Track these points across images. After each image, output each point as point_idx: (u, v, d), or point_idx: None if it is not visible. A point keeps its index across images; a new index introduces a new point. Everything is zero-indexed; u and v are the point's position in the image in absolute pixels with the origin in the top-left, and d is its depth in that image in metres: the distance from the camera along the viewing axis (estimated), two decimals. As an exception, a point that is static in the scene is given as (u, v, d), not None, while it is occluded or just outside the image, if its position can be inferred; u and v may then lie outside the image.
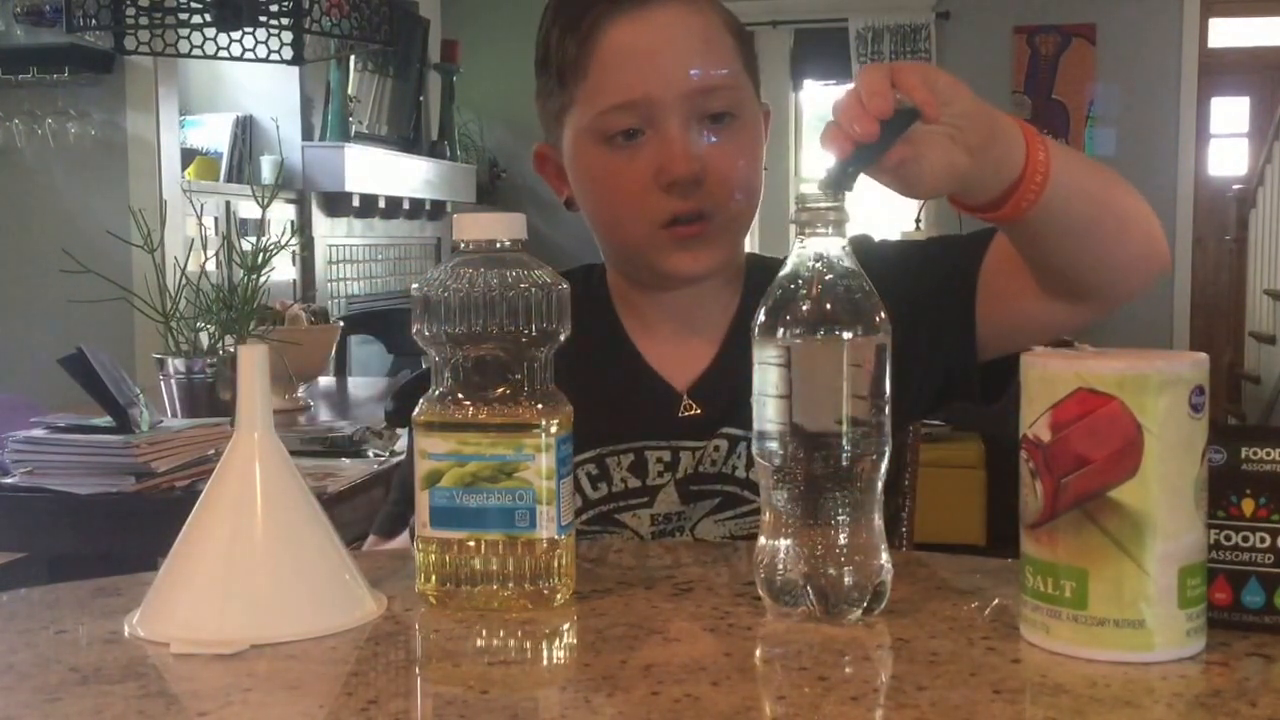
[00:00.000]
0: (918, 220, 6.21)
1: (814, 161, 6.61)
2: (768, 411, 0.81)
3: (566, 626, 0.83)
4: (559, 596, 0.85)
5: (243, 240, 3.30)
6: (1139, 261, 1.05)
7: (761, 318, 0.81)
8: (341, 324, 3.28)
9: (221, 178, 4.69)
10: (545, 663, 0.79)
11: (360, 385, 3.49)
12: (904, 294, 0.88)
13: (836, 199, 0.82)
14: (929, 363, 1.12)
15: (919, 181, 0.89)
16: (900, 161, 0.86)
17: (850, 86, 0.86)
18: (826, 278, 0.80)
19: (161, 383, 2.34)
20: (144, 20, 3.05)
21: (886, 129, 0.83)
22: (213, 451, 1.93)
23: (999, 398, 1.13)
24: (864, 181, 0.86)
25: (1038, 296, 1.07)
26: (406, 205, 5.63)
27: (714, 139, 1.09)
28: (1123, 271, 1.05)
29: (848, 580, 0.80)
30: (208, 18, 2.99)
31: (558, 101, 1.14)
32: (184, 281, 2.33)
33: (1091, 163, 1.02)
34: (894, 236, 5.47)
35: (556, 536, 0.84)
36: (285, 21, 3.04)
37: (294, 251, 4.54)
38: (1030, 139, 0.94)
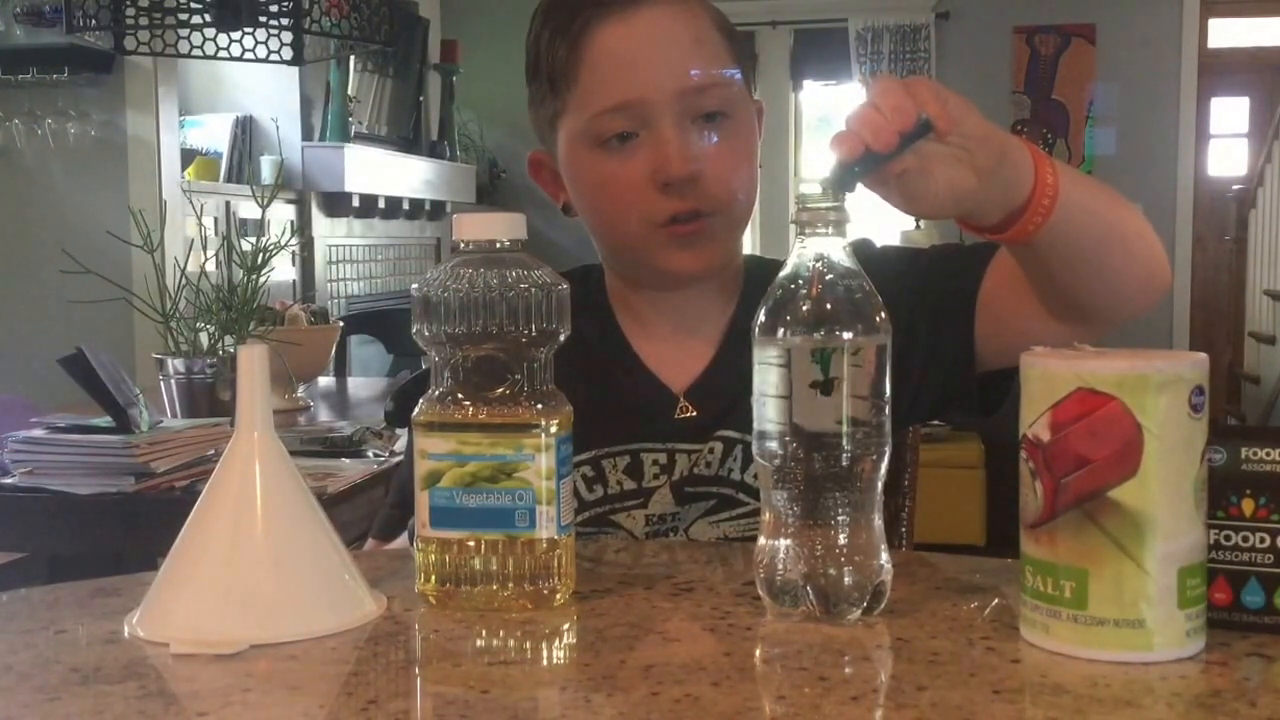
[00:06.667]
0: (918, 218, 6.20)
1: (814, 162, 6.60)
2: (768, 412, 0.81)
3: (566, 626, 0.83)
4: (559, 596, 0.85)
5: (243, 240, 3.29)
6: (1143, 283, 1.04)
7: (762, 318, 0.81)
8: (341, 324, 3.28)
9: (221, 178, 4.68)
10: (545, 663, 0.79)
11: (360, 385, 3.49)
12: (902, 307, 0.87)
13: (837, 199, 0.82)
14: (925, 376, 1.12)
15: (921, 197, 0.88)
16: (904, 171, 0.86)
17: (863, 98, 0.85)
18: (826, 278, 0.80)
19: (161, 383, 2.34)
20: (144, 20, 3.05)
21: (899, 139, 0.83)
22: (212, 451, 1.93)
23: (997, 409, 1.12)
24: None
25: (1039, 316, 1.06)
26: (406, 205, 5.63)
27: (708, 138, 1.09)
28: (1127, 293, 1.04)
29: (848, 580, 0.80)
30: (208, 18, 2.99)
31: (550, 107, 1.13)
32: (184, 282, 2.33)
33: (1098, 184, 1.01)
34: (895, 233, 5.47)
35: (556, 536, 0.84)
36: (285, 22, 3.04)
37: (294, 252, 4.54)
38: (1039, 161, 0.93)
